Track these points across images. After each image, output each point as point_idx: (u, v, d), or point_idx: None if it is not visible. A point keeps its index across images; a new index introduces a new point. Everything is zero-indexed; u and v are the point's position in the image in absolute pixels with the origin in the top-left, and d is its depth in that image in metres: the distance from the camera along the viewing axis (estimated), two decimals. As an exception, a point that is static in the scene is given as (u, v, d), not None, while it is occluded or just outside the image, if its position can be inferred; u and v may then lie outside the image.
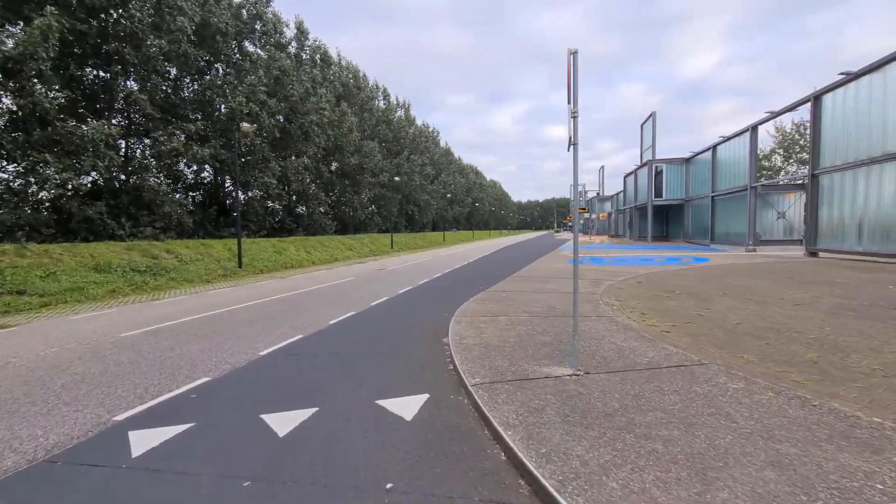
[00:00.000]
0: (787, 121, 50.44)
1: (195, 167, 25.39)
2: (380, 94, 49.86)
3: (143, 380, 5.13)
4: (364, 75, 44.40)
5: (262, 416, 4.00)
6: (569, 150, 4.88)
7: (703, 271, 14.19)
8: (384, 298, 11.02)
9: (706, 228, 30.01)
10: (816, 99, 18.34)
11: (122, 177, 21.26)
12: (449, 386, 4.62)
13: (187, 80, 24.82)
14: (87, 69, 19.36)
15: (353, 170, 39.79)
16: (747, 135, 23.97)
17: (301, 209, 37.29)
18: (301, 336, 7.17)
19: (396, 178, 39.29)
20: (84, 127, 17.12)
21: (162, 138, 20.45)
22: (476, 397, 3.97)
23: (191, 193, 27.32)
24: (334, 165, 40.94)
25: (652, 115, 40.68)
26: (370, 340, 6.78)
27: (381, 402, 4.22)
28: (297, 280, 16.05)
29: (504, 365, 4.88)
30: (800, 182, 26.02)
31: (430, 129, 67.52)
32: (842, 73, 16.29)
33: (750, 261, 17.59)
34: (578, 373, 4.52)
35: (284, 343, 6.72)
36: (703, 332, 6.20)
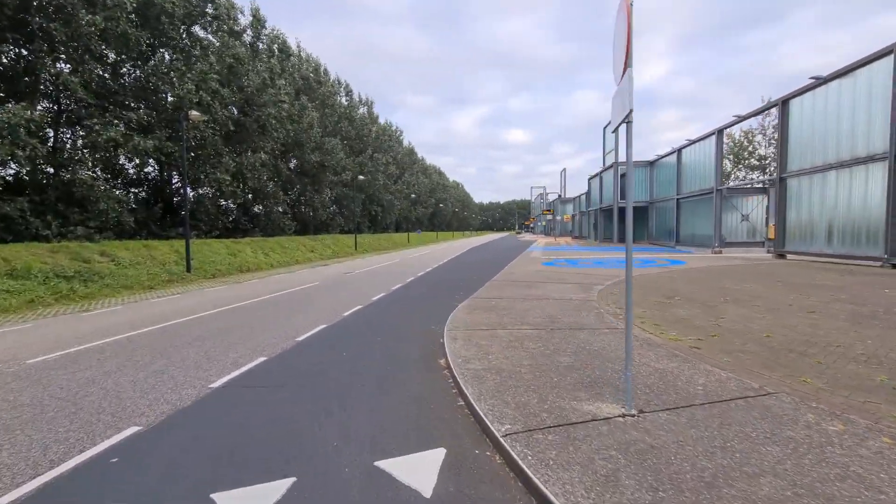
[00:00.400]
0: (735, 129, 52.52)
1: (137, 161, 22.99)
2: (342, 89, 48.06)
3: (44, 433, 3.76)
4: (325, 69, 42.55)
5: (215, 495, 2.79)
6: (614, 131, 3.94)
7: (687, 274, 13.80)
8: (357, 307, 9.80)
9: (671, 230, 30.37)
10: (784, 103, 18.57)
11: (50, 170, 18.85)
12: (468, 434, 3.56)
13: (128, 65, 22.46)
14: (6, 46, 16.91)
15: (314, 168, 37.92)
16: (713, 138, 24.25)
17: (258, 208, 35.14)
18: (264, 359, 5.89)
19: (361, 177, 37.76)
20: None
21: (97, 127, 18.18)
22: (515, 457, 2.93)
23: (133, 190, 24.85)
24: (293, 162, 38.90)
25: (615, 119, 41.14)
26: (351, 365, 5.60)
27: (383, 465, 3.10)
28: (254, 286, 14.47)
29: (532, 401, 3.87)
30: (761, 185, 26.68)
31: (394, 128, 66.08)
32: (812, 78, 16.47)
33: (725, 263, 17.52)
34: (631, 413, 3.57)
35: (243, 369, 5.43)
36: (738, 348, 5.45)
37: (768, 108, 19.93)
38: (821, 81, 16.33)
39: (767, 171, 53.21)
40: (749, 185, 28.48)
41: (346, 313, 9.14)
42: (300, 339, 6.99)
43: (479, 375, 4.60)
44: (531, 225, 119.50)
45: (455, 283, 13.98)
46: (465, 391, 4.18)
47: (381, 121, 60.95)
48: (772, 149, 53.68)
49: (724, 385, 4.17)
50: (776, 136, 53.63)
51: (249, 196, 33.28)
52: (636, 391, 4.04)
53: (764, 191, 25.15)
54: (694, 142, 26.72)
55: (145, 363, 5.79)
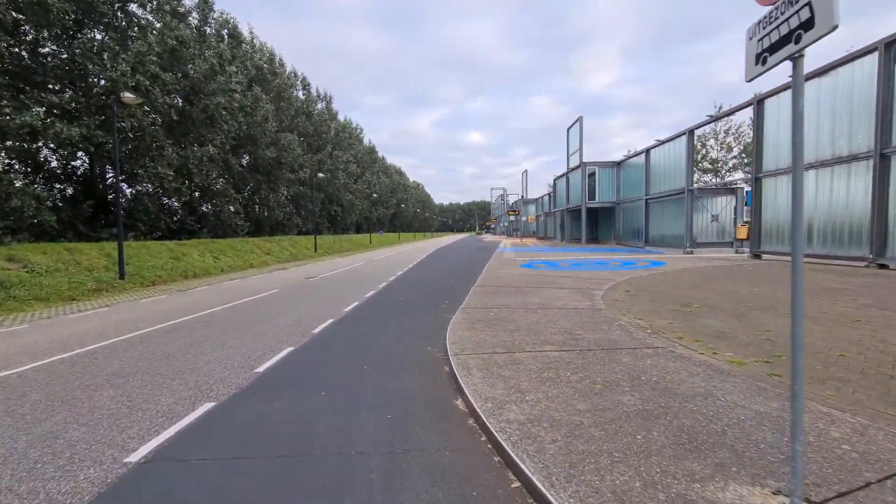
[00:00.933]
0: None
1: (63, 152, 20.11)
2: (298, 83, 45.50)
3: None
4: (281, 60, 39.99)
5: None
6: (750, 79, 2.72)
7: (681, 277, 13.06)
8: (329, 321, 8.22)
9: (639, 231, 30.26)
10: (759, 102, 18.43)
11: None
12: (559, 559, 2.20)
13: (52, 44, 19.59)
14: None
15: (269, 164, 35.42)
16: (684, 138, 24.11)
17: (206, 207, 32.36)
18: (210, 405, 4.29)
19: (320, 174, 35.58)
20: None
21: (7, 110, 15.48)
22: None
23: (57, 185, 21.84)
24: (246, 159, 36.23)
25: (579, 120, 41.06)
26: (336, 413, 4.11)
27: None
28: (201, 295, 12.48)
29: (634, 485, 2.56)
30: (731, 187, 26.93)
31: (354, 126, 63.79)
32: (791, 76, 16.24)
33: (706, 264, 17.06)
34: (801, 505, 2.33)
35: (180, 426, 3.83)
36: (825, 375, 4.38)
37: (742, 108, 19.85)
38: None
39: (720, 174, 55.12)
40: (718, 186, 28.77)
41: (315, 330, 7.56)
42: (260, 370, 5.40)
43: (528, 432, 3.25)
44: (492, 226, 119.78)
45: (436, 288, 12.60)
46: (520, 463, 2.82)
47: (341, 118, 58.66)
48: (723, 152, 55.75)
49: (871, 440, 3.03)
50: (727, 140, 55.29)
51: (196, 194, 30.52)
52: (749, 450, 2.84)
53: (732, 191, 25.33)
54: (664, 142, 26.59)
55: (35, 419, 4.06)
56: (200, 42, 27.12)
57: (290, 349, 6.36)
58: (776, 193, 17.72)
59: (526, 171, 77.10)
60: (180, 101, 25.61)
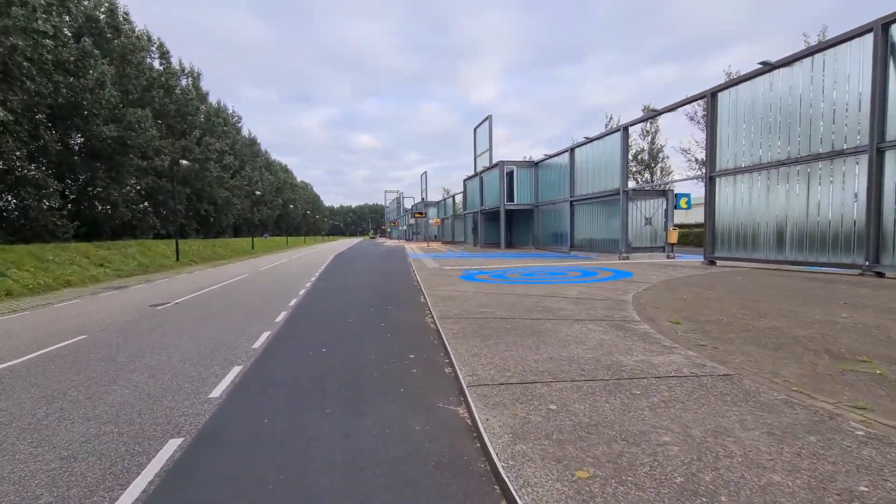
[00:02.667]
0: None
1: None
2: (154, 48, 36.41)
3: None
4: (126, 14, 31.15)
5: None
6: None
7: (696, 294, 10.12)
8: (169, 449, 3.24)
9: (562, 235, 28.29)
10: (713, 95, 16.84)
11: None
12: None
13: None
14: None
15: (110, 147, 26.84)
16: (617, 136, 22.34)
17: (7, 200, 23.23)
18: None
19: (184, 162, 27.88)
20: None
21: None
22: None
23: None
24: (77, 138, 27.17)
25: (488, 119, 38.84)
26: None
27: None
28: None
29: None
30: (661, 189, 26.02)
31: (230, 111, 54.60)
32: (760, 63, 14.67)
33: (680, 273, 14.73)
34: None
35: None
36: None
37: (694, 101, 18.35)
38: (767, 69, 14.61)
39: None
40: (649, 188, 27.89)
41: (133, 483, 2.61)
42: None
43: None
44: (388, 230, 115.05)
45: (374, 322, 7.94)
46: None
47: (214, 101, 49.52)
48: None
49: None
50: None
51: (-12, 181, 21.43)
52: None
53: (663, 193, 24.29)
54: (592, 140, 24.75)
55: None
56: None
57: None
58: (734, 194, 16.16)
59: (426, 172, 73.91)
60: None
